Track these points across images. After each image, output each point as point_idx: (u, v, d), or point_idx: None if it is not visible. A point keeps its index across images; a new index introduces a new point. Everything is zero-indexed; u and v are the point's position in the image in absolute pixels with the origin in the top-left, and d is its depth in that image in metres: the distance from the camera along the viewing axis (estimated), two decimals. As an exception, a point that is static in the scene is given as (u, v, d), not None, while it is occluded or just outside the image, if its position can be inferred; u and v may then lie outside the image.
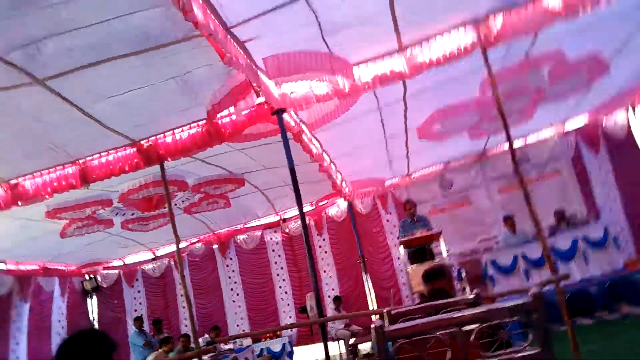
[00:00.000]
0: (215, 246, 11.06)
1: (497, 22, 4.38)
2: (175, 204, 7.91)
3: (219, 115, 5.13)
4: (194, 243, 11.00)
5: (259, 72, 4.33)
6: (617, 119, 8.62)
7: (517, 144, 8.93)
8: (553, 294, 4.41)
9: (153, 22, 3.58)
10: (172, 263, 11.26)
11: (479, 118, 6.71)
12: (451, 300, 2.69)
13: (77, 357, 1.82)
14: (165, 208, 7.75)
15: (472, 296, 2.64)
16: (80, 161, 5.57)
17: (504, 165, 9.16)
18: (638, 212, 8.71)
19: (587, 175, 9.34)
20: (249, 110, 5.22)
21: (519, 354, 1.56)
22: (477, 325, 1.53)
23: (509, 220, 8.39)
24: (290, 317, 10.51)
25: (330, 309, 9.74)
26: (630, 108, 8.31)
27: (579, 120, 9.15)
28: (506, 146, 4.57)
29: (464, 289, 7.98)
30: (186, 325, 10.70)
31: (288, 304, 10.62)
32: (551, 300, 4.47)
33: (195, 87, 4.58)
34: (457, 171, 9.88)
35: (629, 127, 8.45)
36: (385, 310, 2.85)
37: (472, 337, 1.56)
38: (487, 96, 5.76)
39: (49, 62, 3.74)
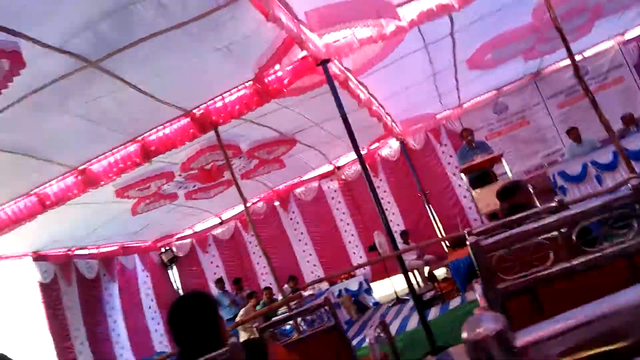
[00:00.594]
0: (276, 203, 11.37)
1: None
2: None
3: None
4: (255, 203, 11.35)
5: (301, 25, 4.30)
6: None
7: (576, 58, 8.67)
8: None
9: None
10: (240, 224, 11.71)
11: (533, 42, 6.42)
12: (532, 211, 2.70)
13: (190, 314, 1.99)
14: (224, 177, 8.09)
15: (554, 204, 2.64)
16: (140, 138, 5.81)
17: (560, 81, 9.29)
18: None
19: None
20: (293, 64, 5.23)
21: (627, 243, 1.58)
22: (575, 225, 1.56)
23: (573, 131, 8.15)
24: (360, 256, 10.81)
25: (399, 243, 9.91)
26: None
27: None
28: (562, 63, 4.36)
29: (535, 204, 7.87)
30: (264, 280, 11.23)
31: (357, 245, 10.90)
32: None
33: (240, 51, 4.63)
34: (511, 94, 9.79)
35: None
36: (466, 231, 2.89)
37: (575, 233, 1.59)
38: (541, 20, 5.46)
39: (99, 43, 3.83)
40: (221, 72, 5.02)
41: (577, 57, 8.83)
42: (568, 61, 4.58)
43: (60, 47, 3.68)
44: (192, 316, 1.98)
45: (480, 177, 7.12)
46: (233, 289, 10.60)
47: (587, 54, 9.21)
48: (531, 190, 7.60)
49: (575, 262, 1.58)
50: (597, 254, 1.53)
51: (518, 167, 9.53)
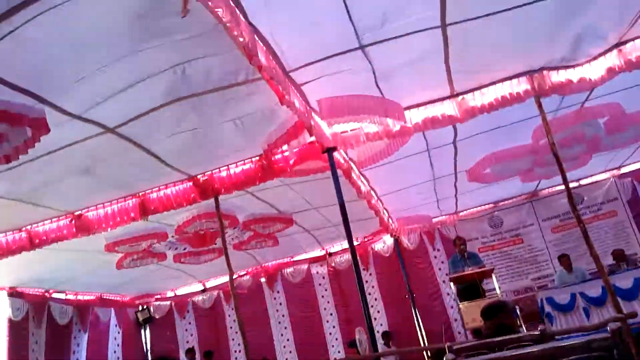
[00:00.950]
0: (262, 279, 11.19)
1: (551, 76, 4.47)
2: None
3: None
4: (242, 276, 11.18)
5: (312, 113, 4.52)
6: None
7: (571, 185, 8.98)
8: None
9: (217, 66, 3.82)
10: (222, 295, 11.45)
11: (531, 164, 6.69)
12: (515, 336, 2.67)
13: None
14: (216, 244, 8.06)
15: (537, 332, 2.62)
16: (140, 194, 5.88)
17: (555, 205, 9.56)
18: None
19: None
20: (300, 147, 5.41)
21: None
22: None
23: (564, 258, 8.21)
24: (339, 351, 10.42)
25: (379, 344, 9.60)
26: None
27: (637, 165, 9.29)
28: (558, 187, 4.55)
29: (520, 326, 7.74)
30: (237, 358, 10.79)
31: (336, 338, 10.55)
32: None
33: (251, 127, 4.82)
34: (508, 210, 10.05)
35: None
36: (447, 345, 2.84)
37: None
38: (540, 144, 5.75)
39: (117, 111, 4.05)
40: (231, 143, 5.18)
41: (574, 184, 9.25)
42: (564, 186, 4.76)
43: (80, 115, 3.89)
44: None
45: (469, 289, 7.05)
46: (206, 360, 10.14)
47: (583, 182, 9.50)
48: (518, 313, 7.56)
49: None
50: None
51: (507, 286, 9.47)
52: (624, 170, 9.49)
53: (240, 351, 10.82)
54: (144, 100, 4.05)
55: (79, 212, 5.95)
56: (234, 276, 10.81)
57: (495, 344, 2.66)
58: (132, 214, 5.96)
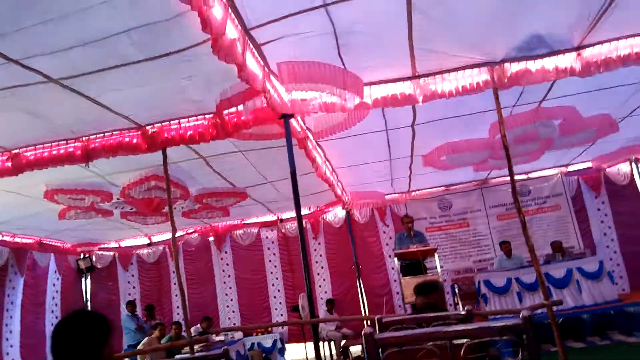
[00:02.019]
0: (211, 238, 11.12)
1: (511, 68, 4.49)
2: (175, 208, 7.95)
3: (226, 111, 5.19)
4: (190, 233, 11.07)
5: (271, 75, 4.39)
6: (620, 168, 9.72)
7: (520, 177, 9.83)
8: (547, 317, 4.51)
9: (176, 30, 3.60)
10: (168, 250, 11.32)
11: (486, 156, 6.82)
12: (443, 314, 2.75)
13: (75, 338, 1.84)
14: (165, 209, 7.86)
15: (464, 312, 2.70)
16: (84, 139, 5.60)
17: (503, 194, 10.00)
18: (632, 251, 9.44)
19: (586, 214, 9.99)
20: (256, 110, 5.28)
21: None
22: (468, 340, 1.59)
23: (505, 245, 8.57)
24: (282, 314, 10.61)
25: (322, 311, 9.83)
26: (634, 160, 9.47)
27: (583, 164, 9.87)
28: (507, 178, 4.65)
29: (456, 304, 8.07)
30: (178, 314, 10.76)
31: (280, 302, 10.71)
32: (545, 322, 4.61)
33: (208, 85, 4.62)
34: (458, 194, 10.35)
35: (631, 176, 9.62)
36: (376, 317, 2.90)
37: (462, 351, 1.61)
38: (496, 138, 5.84)
39: (63, 65, 3.82)
40: (185, 99, 4.98)
41: (523, 177, 9.84)
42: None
43: (20, 61, 3.65)
44: (72, 338, 1.84)
45: (412, 265, 7.25)
46: (143, 315, 10.05)
47: (532, 175, 9.99)
48: (456, 291, 7.82)
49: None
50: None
51: (449, 266, 9.91)
52: (571, 168, 9.99)
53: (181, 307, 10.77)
54: (93, 60, 3.82)
55: (17, 150, 5.63)
56: (182, 233, 10.88)
57: (423, 320, 2.72)
58: (74, 155, 5.68)
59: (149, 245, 11.42)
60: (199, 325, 9.25)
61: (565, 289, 7.12)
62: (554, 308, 4.38)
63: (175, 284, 11.11)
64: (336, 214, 10.61)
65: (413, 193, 10.28)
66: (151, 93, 4.72)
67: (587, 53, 4.45)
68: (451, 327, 1.93)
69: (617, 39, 4.38)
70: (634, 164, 9.62)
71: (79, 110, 4.76)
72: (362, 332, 1.73)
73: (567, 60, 4.45)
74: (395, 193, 10.18)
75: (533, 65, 4.47)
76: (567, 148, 7.64)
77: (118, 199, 7.15)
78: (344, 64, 4.43)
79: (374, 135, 6.38)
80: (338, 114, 5.28)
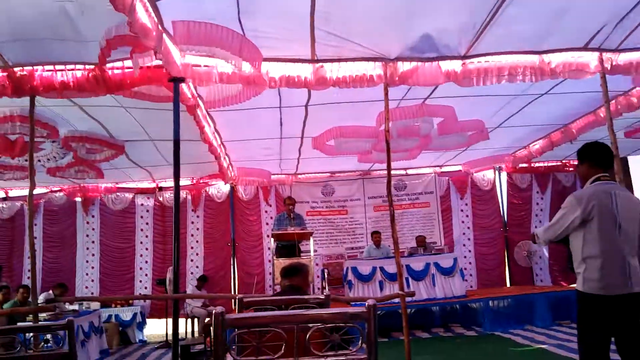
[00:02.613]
0: (78, 199, 10.24)
1: (403, 66, 4.69)
2: (39, 160, 7.16)
3: (111, 65, 4.78)
4: (55, 192, 10.10)
5: (164, 35, 4.11)
6: (485, 174, 10.84)
7: (399, 172, 10.57)
8: (399, 306, 4.85)
9: None
10: (26, 207, 10.21)
11: (370, 145, 7.09)
12: (301, 297, 2.80)
13: None
14: (27, 160, 7.00)
15: (322, 297, 2.77)
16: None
17: (382, 186, 10.27)
18: (484, 253, 10.67)
19: (451, 213, 10.92)
20: (144, 68, 4.92)
21: (346, 357, 1.67)
22: (315, 325, 1.61)
23: (375, 235, 9.06)
24: (146, 287, 10.14)
25: (191, 286, 9.59)
26: (497, 169, 10.71)
27: (454, 167, 10.80)
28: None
29: (324, 289, 8.36)
30: (29, 278, 9.75)
31: (146, 274, 10.23)
32: (399, 312, 4.96)
33: (93, 20, 4.16)
34: (341, 182, 10.73)
35: (493, 183, 10.86)
36: (238, 297, 2.87)
37: (307, 336, 1.63)
38: (380, 129, 6.09)
39: None
40: (63, 34, 4.42)
41: (401, 172, 10.54)
42: (393, 172, 5.16)
43: None
44: None
45: (287, 247, 7.36)
46: (-11, 276, 9.00)
47: (410, 172, 10.75)
48: (325, 276, 8.11)
49: (301, 360, 1.62)
50: (320, 359, 1.60)
51: (323, 250, 10.28)
52: (444, 169, 10.89)
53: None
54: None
55: None
56: (45, 190, 9.89)
57: (283, 302, 2.75)
58: None
59: (4, 199, 10.21)
60: (50, 292, 8.50)
61: (421, 281, 7.73)
62: (408, 299, 4.71)
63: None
64: (219, 188, 10.39)
65: (299, 176, 10.44)
66: (25, 18, 4.13)
67: (471, 63, 4.80)
68: (302, 310, 1.97)
69: (498, 53, 4.77)
70: (497, 172, 10.84)
71: None
72: (213, 311, 1.69)
73: (453, 67, 4.76)
74: (282, 174, 10.25)
75: (422, 67, 4.71)
76: (442, 151, 8.25)
77: None
78: (243, 30, 4.28)
79: (268, 111, 6.32)
80: (232, 86, 5.12)
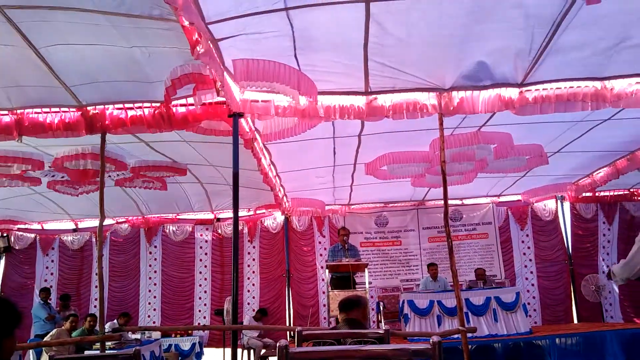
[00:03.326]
0: (142, 230, 10.71)
1: (458, 96, 4.68)
2: (109, 176, 7.62)
3: (175, 102, 5.07)
4: (121, 223, 10.63)
5: (225, 72, 4.33)
6: (546, 203, 10.40)
7: (454, 202, 10.29)
8: (460, 343, 4.69)
9: None
10: (94, 238, 10.79)
11: (424, 169, 7.04)
12: (360, 331, 2.78)
13: None
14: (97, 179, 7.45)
15: (382, 331, 2.74)
16: (19, 111, 5.27)
17: (437, 217, 10.33)
18: (548, 287, 10.11)
19: (511, 245, 10.51)
20: (206, 104, 5.18)
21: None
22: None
23: (432, 267, 8.82)
24: (205, 317, 10.35)
25: (248, 317, 9.69)
26: (560, 198, 10.23)
27: (513, 197, 10.43)
28: (442, 202, 4.84)
29: (379, 322, 8.20)
30: (96, 306, 10.24)
31: (205, 304, 10.45)
32: (460, 348, 4.79)
33: (158, 63, 4.47)
34: (395, 212, 10.63)
35: (555, 213, 10.36)
36: (297, 329, 2.89)
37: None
38: (435, 153, 6.05)
39: None
40: (132, 75, 4.75)
41: (457, 202, 10.32)
42: (449, 202, 5.09)
43: None
44: None
45: (342, 279, 7.31)
46: (57, 304, 9.50)
47: (466, 202, 10.50)
48: (381, 309, 7.96)
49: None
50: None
51: (378, 282, 10.13)
52: (502, 199, 10.53)
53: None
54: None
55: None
56: (112, 222, 10.43)
57: (342, 335, 2.74)
58: (6, 129, 5.32)
59: (75, 231, 10.86)
60: (115, 321, 8.85)
61: (482, 316, 7.41)
62: (468, 334, 4.55)
63: (97, 274, 10.60)
64: (275, 219, 10.56)
65: (352, 206, 10.45)
66: (98, 61, 4.47)
67: (528, 92, 4.72)
68: (364, 346, 1.96)
69: (556, 80, 4.66)
70: (559, 202, 10.36)
71: (21, 68, 4.42)
72: (277, 344, 1.72)
73: (509, 95, 4.69)
74: (335, 204, 10.29)
75: (479, 96, 4.67)
76: (500, 174, 8.02)
77: (50, 167, 6.73)
78: (299, 66, 4.43)
79: (322, 141, 6.45)
80: (288, 119, 5.28)
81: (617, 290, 10.04)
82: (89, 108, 5.29)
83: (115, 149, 6.43)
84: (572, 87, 4.69)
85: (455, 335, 5.05)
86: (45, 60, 4.37)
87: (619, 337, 7.29)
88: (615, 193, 10.25)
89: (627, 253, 10.79)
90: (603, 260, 10.25)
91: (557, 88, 4.74)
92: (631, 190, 10.19)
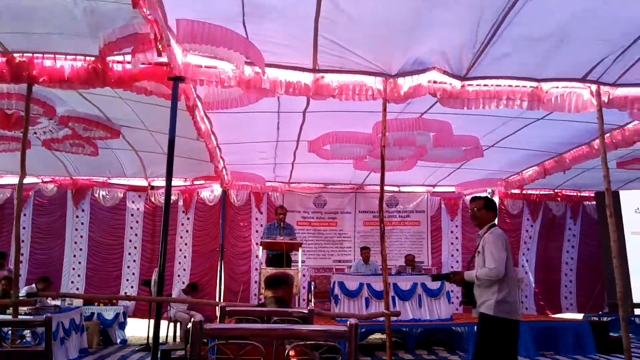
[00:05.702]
0: (69, 192, 10.15)
1: (405, 83, 4.70)
2: (35, 133, 7.10)
3: (111, 58, 4.76)
4: (47, 182, 10.00)
5: (168, 32, 4.10)
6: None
7: (392, 189, 10.53)
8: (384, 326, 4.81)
9: None
10: (15, 196, 10.09)
11: (366, 152, 7.08)
12: (284, 310, 2.75)
13: None
14: (22, 131, 6.92)
15: (306, 311, 2.73)
16: None
17: (373, 202, 10.50)
18: None
19: (440, 233, 10.93)
20: (145, 65, 4.90)
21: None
22: (294, 341, 1.58)
23: (364, 250, 9.01)
24: (132, 287, 10.02)
25: (177, 289, 9.47)
26: (490, 191, 10.49)
27: (447, 188, 10.75)
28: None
29: (309, 301, 8.30)
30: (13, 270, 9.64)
31: (134, 273, 10.11)
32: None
33: (97, 18, 4.18)
34: (334, 194, 10.72)
35: None
36: (221, 305, 2.82)
37: (287, 351, 1.60)
38: (378, 136, 6.10)
39: None
40: (66, 27, 4.42)
41: (394, 189, 10.54)
42: (386, 188, 5.16)
43: None
44: None
45: (276, 257, 7.31)
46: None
47: (403, 189, 10.77)
48: (312, 289, 8.06)
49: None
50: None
51: (311, 262, 10.24)
52: (437, 189, 10.87)
53: (21, 262, 9.70)
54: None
55: None
56: (37, 180, 9.80)
57: (265, 313, 2.70)
58: None
59: (-7, 188, 10.10)
60: (33, 285, 8.39)
61: (408, 301, 7.67)
62: (393, 318, 4.67)
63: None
64: (212, 192, 10.32)
65: (292, 185, 10.43)
66: (29, 10, 4.12)
67: (470, 85, 4.82)
68: (283, 325, 1.93)
69: (496, 77, 4.79)
70: (489, 195, 10.81)
71: None
72: (192, 320, 1.64)
73: (452, 87, 4.77)
74: (275, 181, 10.22)
75: (424, 82, 4.71)
76: (438, 163, 8.23)
77: None
78: (247, 34, 4.27)
79: (266, 115, 6.33)
80: (233, 90, 5.11)
81: (533, 283, 10.70)
82: (15, 55, 4.88)
83: (44, 91, 5.94)
84: (510, 85, 4.84)
85: (381, 318, 5.17)
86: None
87: (531, 329, 7.77)
88: (541, 192, 10.87)
89: (546, 250, 11.57)
90: (523, 254, 10.87)
91: (497, 85, 4.88)
92: (555, 190, 10.83)
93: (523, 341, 7.61)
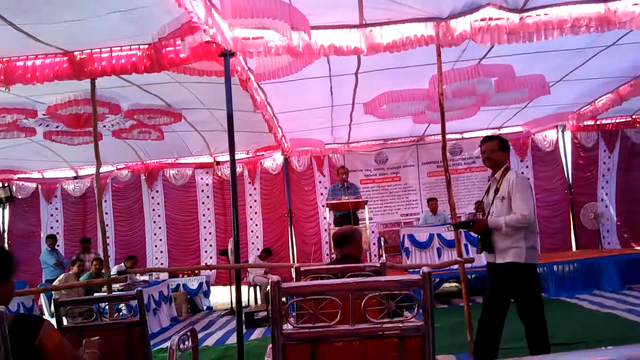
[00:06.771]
0: (142, 176, 10.76)
1: (457, 25, 4.45)
2: (104, 126, 7.55)
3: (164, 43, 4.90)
4: (121, 169, 10.66)
5: (213, 10, 4.14)
6: (547, 134, 10.30)
7: (454, 136, 10.19)
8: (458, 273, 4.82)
9: None
10: (95, 185, 10.85)
11: (424, 107, 6.92)
12: (356, 265, 2.82)
13: None
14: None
15: (378, 264, 2.78)
16: (4, 59, 5.14)
17: (436, 152, 10.16)
18: (547, 216, 10.17)
19: None
20: (196, 46, 5.01)
21: (403, 324, 1.68)
22: (369, 293, 1.63)
23: (431, 202, 8.91)
24: (211, 257, 10.60)
25: (253, 256, 9.93)
26: (560, 128, 10.07)
27: (514, 128, 10.27)
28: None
29: (381, 256, 8.41)
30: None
31: (211, 245, 10.68)
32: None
33: (141, 19, 4.35)
34: (394, 149, 10.58)
35: (556, 143, 10.30)
36: (295, 266, 2.94)
37: (363, 302, 1.65)
38: (435, 90, 5.93)
39: None
40: (117, 30, 4.65)
41: (457, 136, 10.19)
42: (448, 136, 5.02)
43: None
44: None
45: (343, 216, 7.40)
46: (78, 248, 9.66)
47: (466, 135, 10.38)
48: (382, 244, 8.10)
49: (357, 327, 1.64)
50: (376, 325, 1.62)
51: (378, 218, 10.29)
52: (502, 130, 10.32)
53: (108, 244, 10.51)
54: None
55: None
56: (111, 168, 10.46)
57: (338, 270, 2.79)
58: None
59: (75, 178, 10.90)
60: (122, 264, 9.10)
61: (476, 247, 7.54)
62: (467, 265, 4.65)
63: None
64: (274, 160, 10.55)
65: (352, 145, 10.41)
66: (79, 25, 4.35)
67: (529, 17, 4.50)
68: (357, 278, 1.99)
69: (557, 5, 4.45)
70: (560, 131, 10.25)
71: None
72: (270, 280, 1.74)
73: (511, 21, 4.49)
74: (334, 143, 10.24)
75: (477, 25, 4.47)
76: (501, 107, 7.90)
77: (44, 115, 6.68)
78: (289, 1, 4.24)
79: (318, 80, 6.29)
80: (282, 57, 5.13)
81: (614, 217, 10.16)
82: (75, 53, 5.15)
83: (107, 93, 6.31)
84: (574, 11, 4.48)
85: (455, 266, 5.16)
86: (22, 29, 4.31)
87: (615, 263, 7.47)
88: (617, 120, 10.09)
89: (627, 181, 10.85)
90: (602, 188, 10.30)
91: (558, 13, 4.53)
92: (633, 117, 10.05)
93: (608, 276, 7.35)
